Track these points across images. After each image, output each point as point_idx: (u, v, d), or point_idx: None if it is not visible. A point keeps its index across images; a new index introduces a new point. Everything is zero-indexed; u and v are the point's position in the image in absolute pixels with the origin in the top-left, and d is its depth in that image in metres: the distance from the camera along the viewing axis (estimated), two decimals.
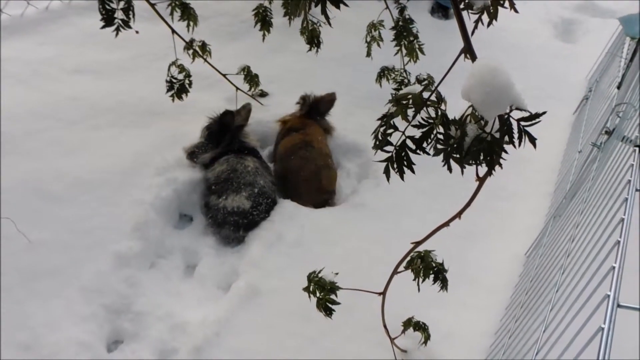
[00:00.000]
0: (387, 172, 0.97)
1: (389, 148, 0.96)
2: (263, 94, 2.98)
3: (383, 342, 1.84)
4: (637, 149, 1.23)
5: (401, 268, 1.41)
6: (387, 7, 2.40)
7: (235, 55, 3.18)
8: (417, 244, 1.29)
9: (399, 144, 0.94)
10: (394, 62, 2.57)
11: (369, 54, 2.54)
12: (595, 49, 3.72)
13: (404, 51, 2.45)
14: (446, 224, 1.17)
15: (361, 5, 3.78)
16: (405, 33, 2.41)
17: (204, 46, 2.58)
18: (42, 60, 3.01)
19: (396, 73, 2.61)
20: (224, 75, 2.69)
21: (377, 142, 0.96)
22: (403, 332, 1.82)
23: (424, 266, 1.41)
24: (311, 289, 1.43)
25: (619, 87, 2.26)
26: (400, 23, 2.41)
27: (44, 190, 2.30)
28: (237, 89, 2.78)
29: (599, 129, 2.14)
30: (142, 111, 2.79)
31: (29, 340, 1.82)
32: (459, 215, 1.11)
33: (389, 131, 0.94)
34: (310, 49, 2.53)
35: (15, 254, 2.03)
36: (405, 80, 2.64)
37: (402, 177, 0.96)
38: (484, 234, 2.56)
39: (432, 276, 1.44)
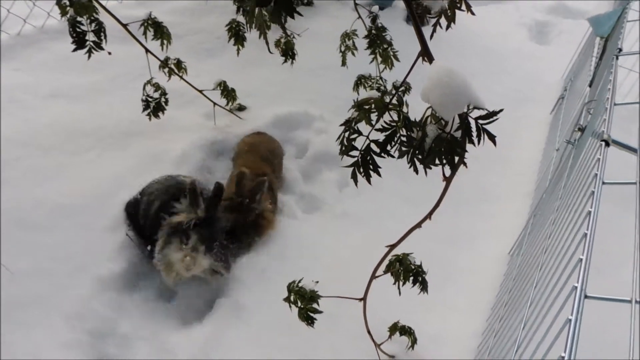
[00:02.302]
0: (354, 176, 0.97)
1: (355, 153, 0.96)
2: (241, 108, 2.98)
3: (371, 348, 1.84)
4: (603, 143, 1.25)
5: (380, 272, 1.40)
6: (360, 17, 2.42)
7: (212, 71, 3.18)
8: (392, 246, 1.29)
9: (363, 148, 0.95)
10: (371, 69, 2.59)
11: (344, 64, 2.56)
12: (568, 49, 3.79)
13: (379, 59, 2.47)
14: (418, 225, 1.17)
15: (336, 16, 3.84)
16: (378, 41, 2.43)
17: (179, 64, 2.57)
18: (17, 87, 2.98)
19: (372, 80, 2.64)
20: (200, 91, 2.70)
21: (343, 148, 0.96)
22: (389, 337, 1.81)
23: (403, 269, 1.41)
24: (292, 299, 1.42)
25: (590, 85, 2.29)
26: (373, 31, 2.43)
27: (24, 219, 2.26)
28: (215, 104, 2.78)
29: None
30: (120, 132, 2.77)
31: None
32: (429, 216, 1.11)
33: (353, 136, 0.95)
34: (285, 61, 2.56)
35: None
36: (382, 88, 2.66)
37: (368, 181, 0.97)
38: (470, 236, 2.57)
39: (411, 279, 1.44)
